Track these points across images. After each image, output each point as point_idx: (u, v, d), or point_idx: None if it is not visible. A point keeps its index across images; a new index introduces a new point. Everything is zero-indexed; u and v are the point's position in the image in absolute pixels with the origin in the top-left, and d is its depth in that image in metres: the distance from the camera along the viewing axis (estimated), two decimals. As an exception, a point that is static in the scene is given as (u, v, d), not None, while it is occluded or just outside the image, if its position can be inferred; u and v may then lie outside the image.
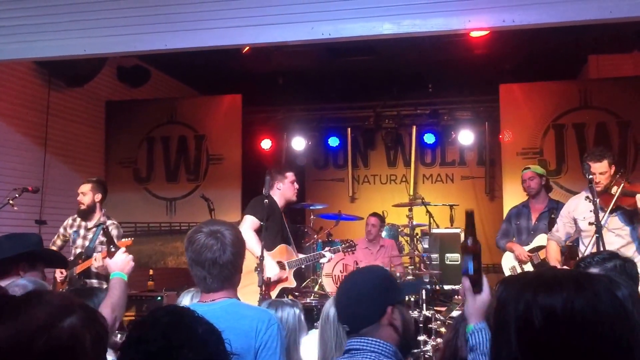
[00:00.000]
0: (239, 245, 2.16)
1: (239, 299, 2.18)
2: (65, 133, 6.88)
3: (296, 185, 4.69)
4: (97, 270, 4.58)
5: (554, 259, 4.46)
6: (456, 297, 6.84)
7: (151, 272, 6.69)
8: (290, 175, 4.63)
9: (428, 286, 5.79)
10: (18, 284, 2.41)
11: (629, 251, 4.04)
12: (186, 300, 2.75)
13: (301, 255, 4.86)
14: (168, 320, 1.43)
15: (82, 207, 4.89)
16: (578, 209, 4.37)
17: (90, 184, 4.98)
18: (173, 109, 7.69)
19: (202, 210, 6.68)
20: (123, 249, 2.69)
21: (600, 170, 4.15)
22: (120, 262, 2.62)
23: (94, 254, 4.52)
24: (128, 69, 7.60)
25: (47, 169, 6.51)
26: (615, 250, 3.79)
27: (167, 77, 8.48)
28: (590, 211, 4.00)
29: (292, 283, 4.60)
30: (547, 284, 1.18)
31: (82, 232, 4.91)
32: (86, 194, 4.91)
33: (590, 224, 4.02)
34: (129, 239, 4.82)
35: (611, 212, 4.13)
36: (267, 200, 4.23)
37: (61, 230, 5.04)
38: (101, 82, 7.33)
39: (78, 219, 4.98)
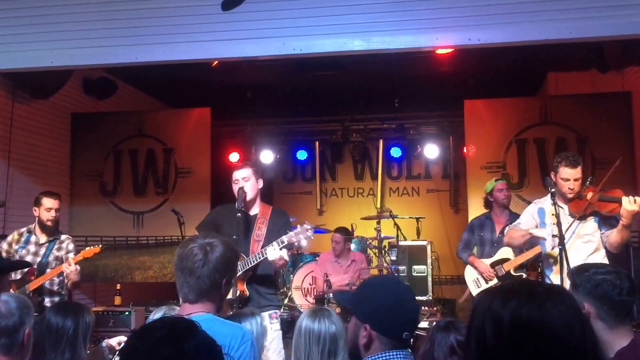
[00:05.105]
0: (226, 263, 2.15)
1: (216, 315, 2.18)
2: (29, 146, 6.73)
3: (240, 184, 3.98)
4: (69, 277, 4.41)
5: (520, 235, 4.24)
6: (423, 308, 6.94)
7: (118, 286, 6.57)
8: (233, 175, 4.06)
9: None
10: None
11: (598, 257, 4.03)
12: (159, 316, 2.72)
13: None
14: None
15: (52, 223, 4.65)
16: (545, 211, 4.23)
17: (59, 199, 4.73)
18: (141, 121, 7.62)
19: (171, 223, 6.62)
20: None
21: (576, 176, 4.07)
22: None
23: (69, 259, 4.38)
24: (94, 81, 7.49)
25: (11, 182, 6.35)
26: (585, 258, 3.88)
27: (134, 89, 8.40)
28: (553, 224, 3.97)
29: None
30: (502, 294, 1.18)
31: (32, 247, 4.60)
32: (59, 209, 4.70)
33: (554, 236, 4.04)
34: (98, 245, 4.75)
35: (584, 218, 4.07)
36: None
37: (4, 246, 4.64)
38: (66, 94, 7.20)
39: (26, 234, 4.66)
